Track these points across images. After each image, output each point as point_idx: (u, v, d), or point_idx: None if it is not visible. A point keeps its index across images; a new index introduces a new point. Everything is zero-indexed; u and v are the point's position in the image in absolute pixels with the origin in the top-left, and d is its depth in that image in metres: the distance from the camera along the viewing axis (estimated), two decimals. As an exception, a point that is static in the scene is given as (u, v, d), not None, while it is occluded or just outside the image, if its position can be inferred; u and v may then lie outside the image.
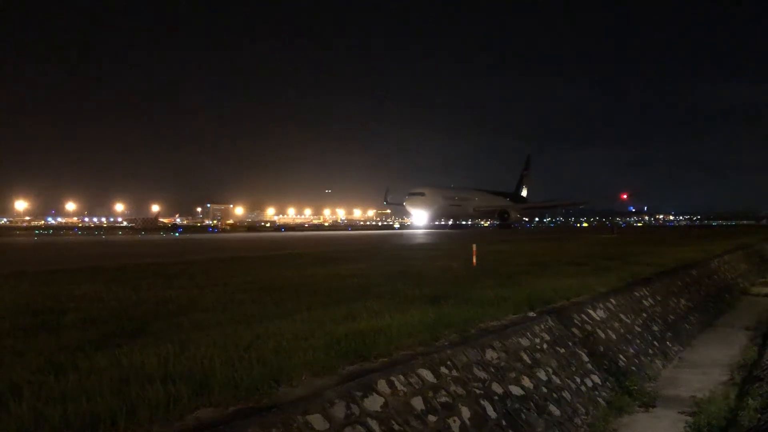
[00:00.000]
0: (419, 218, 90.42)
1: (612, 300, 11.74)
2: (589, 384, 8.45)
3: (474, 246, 16.03)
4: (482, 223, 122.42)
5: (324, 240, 40.16)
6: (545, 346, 8.36)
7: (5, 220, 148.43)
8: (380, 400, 5.10)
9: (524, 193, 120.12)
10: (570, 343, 9.01)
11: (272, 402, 4.45)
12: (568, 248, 27.05)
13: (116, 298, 9.02)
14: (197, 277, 12.20)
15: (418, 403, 5.46)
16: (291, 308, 8.21)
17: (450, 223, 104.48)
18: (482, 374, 6.63)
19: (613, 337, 10.47)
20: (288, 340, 6.04)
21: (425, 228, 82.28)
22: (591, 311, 10.57)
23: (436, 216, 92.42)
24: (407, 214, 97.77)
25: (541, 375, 7.63)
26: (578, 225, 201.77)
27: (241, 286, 10.56)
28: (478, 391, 6.31)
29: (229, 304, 8.52)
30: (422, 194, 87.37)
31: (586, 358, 9.00)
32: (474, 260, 15.44)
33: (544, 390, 7.40)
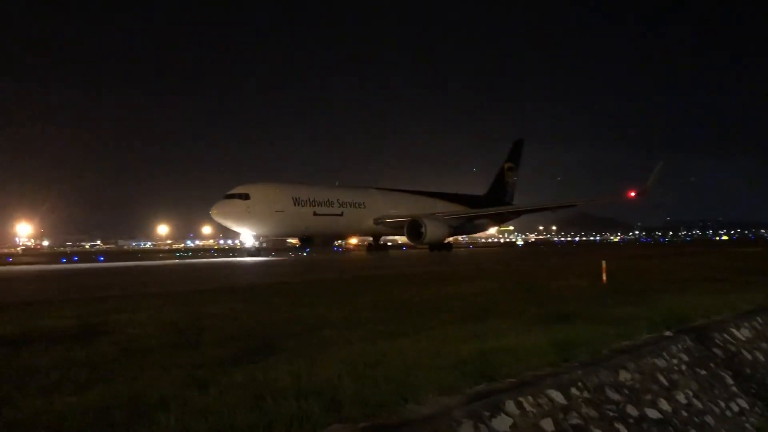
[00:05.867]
0: (246, 237, 47.96)
1: (758, 318, 10.86)
2: (735, 409, 7.84)
3: (603, 263, 15.41)
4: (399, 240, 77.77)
5: (451, 260, 40.10)
6: (683, 367, 7.87)
7: (150, 244, 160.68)
8: (509, 421, 5.01)
9: (510, 195, 75.18)
10: (711, 365, 8.43)
11: (401, 419, 4.49)
12: (706, 263, 25.42)
13: (250, 317, 9.47)
14: (324, 295, 12.56)
15: (548, 424, 5.31)
16: (415, 327, 8.25)
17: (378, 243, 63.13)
18: (615, 396, 6.35)
19: (761, 358, 9.67)
20: (413, 359, 6.08)
21: (251, 254, 46.50)
22: (734, 330, 9.83)
23: (286, 232, 52.56)
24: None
25: (680, 398, 7.19)
26: (717, 239, 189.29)
27: (365, 304, 10.75)
28: (611, 414, 6.04)
29: (354, 322, 8.70)
30: (243, 197, 44.80)
31: (730, 381, 8.37)
32: (604, 277, 14.87)
33: (684, 414, 6.96)
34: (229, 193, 45.66)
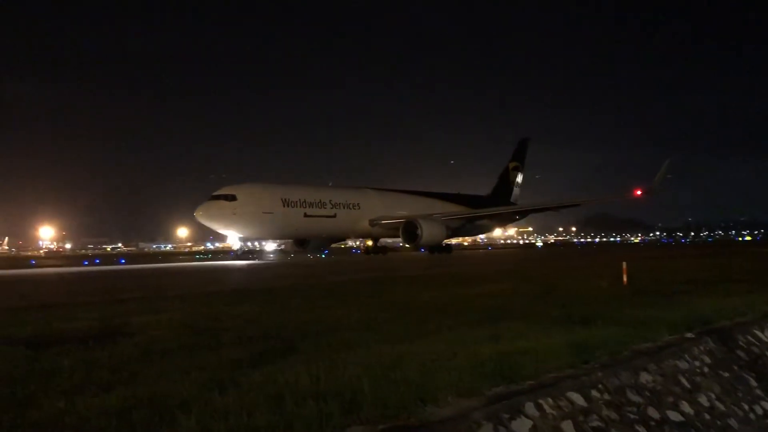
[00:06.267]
0: (233, 240, 47.05)
1: (783, 320, 10.71)
2: (759, 411, 7.73)
3: (624, 264, 15.31)
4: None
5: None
6: (706, 369, 7.78)
7: (170, 246, 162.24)
8: (528, 423, 4.99)
9: (515, 195, 70.96)
10: (735, 367, 8.32)
11: (420, 421, 4.49)
12: (728, 264, 25.14)
13: (268, 318, 9.52)
14: (341, 297, 12.59)
15: (568, 427, 5.28)
16: (432, 328, 8.25)
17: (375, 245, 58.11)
18: (636, 398, 6.29)
19: (786, 360, 9.54)
20: (431, 361, 6.07)
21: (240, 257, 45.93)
22: (758, 332, 9.70)
23: (275, 234, 50.08)
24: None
25: (703, 400, 7.10)
26: (739, 239, 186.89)
27: (382, 306, 10.77)
28: (632, 416, 5.99)
29: (372, 324, 8.70)
30: (230, 198, 42.99)
31: (754, 383, 8.26)
32: (624, 278, 14.76)
33: (707, 417, 6.87)
34: (214, 194, 43.53)
